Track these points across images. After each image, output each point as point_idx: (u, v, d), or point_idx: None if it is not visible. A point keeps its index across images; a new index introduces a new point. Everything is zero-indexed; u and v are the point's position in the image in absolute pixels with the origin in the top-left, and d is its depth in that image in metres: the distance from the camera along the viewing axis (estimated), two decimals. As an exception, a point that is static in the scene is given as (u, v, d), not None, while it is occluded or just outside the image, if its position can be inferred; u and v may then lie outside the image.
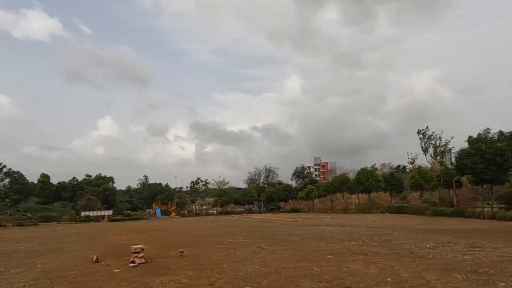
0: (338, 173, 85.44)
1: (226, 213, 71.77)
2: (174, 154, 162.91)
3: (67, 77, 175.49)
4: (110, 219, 67.42)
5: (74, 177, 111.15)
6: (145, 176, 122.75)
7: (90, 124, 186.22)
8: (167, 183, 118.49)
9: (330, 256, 10.58)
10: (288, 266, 9.24)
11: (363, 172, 42.08)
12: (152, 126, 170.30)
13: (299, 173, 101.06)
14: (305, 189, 54.27)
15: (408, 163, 33.92)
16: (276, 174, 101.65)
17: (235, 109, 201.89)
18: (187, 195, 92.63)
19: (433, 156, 30.19)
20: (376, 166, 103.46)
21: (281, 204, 67.78)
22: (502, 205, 33.92)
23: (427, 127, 30.49)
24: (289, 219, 31.73)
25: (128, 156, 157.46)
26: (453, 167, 27.73)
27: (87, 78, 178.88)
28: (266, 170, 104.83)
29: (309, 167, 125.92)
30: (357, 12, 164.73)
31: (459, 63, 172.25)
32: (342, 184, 46.07)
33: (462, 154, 25.50)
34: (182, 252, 12.35)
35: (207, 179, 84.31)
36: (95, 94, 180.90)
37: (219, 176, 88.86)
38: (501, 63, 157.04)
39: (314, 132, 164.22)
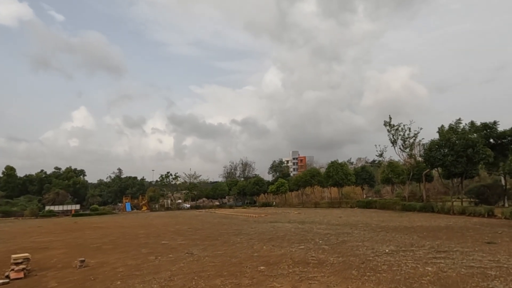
0: (315, 167, 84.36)
1: (197, 207, 69.05)
2: (152, 147, 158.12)
3: (37, 64, 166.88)
4: (75, 214, 63.23)
5: (42, 170, 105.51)
6: (119, 169, 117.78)
7: (63, 115, 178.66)
8: (143, 177, 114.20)
9: (262, 268, 8.29)
10: (196, 285, 6.88)
11: (333, 165, 40.40)
12: (128, 118, 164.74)
13: (276, 167, 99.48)
14: (276, 183, 52.26)
15: (377, 156, 32.39)
16: (253, 168, 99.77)
17: (214, 102, 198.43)
18: (163, 189, 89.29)
19: (402, 148, 28.63)
20: (352, 161, 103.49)
21: (259, 198, 65.58)
22: (472, 200, 33.11)
23: (390, 118, 28.95)
24: (251, 215, 29.52)
25: (103, 148, 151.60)
26: (422, 159, 26.29)
27: (57, 66, 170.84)
28: (242, 164, 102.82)
29: (287, 161, 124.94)
30: (336, 5, 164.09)
31: (433, 61, 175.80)
32: (312, 178, 44.30)
33: (431, 146, 23.94)
34: (82, 261, 9.75)
35: (177, 173, 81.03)
36: (67, 83, 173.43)
37: (190, 169, 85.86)
38: (471, 63, 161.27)
39: (293, 126, 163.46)
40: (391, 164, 39.00)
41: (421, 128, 27.71)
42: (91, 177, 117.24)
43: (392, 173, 37.26)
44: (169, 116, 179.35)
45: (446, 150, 22.89)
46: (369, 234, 14.22)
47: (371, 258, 9.04)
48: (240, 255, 10.30)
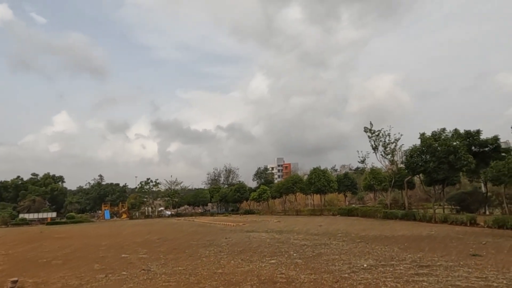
0: (300, 174, 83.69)
1: (178, 215, 67.03)
2: (135, 153, 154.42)
3: (16, 66, 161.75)
4: (50, 222, 60.19)
5: (18, 176, 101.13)
6: (100, 176, 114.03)
7: (45, 119, 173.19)
8: (125, 184, 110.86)
9: (220, 289, 7.14)
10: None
11: (315, 172, 39.65)
12: (111, 123, 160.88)
13: (261, 174, 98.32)
14: (258, 190, 51.08)
15: (359, 162, 31.77)
16: (237, 175, 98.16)
17: (200, 108, 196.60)
18: (146, 196, 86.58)
19: (383, 155, 28.06)
20: (336, 168, 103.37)
21: (242, 205, 63.94)
22: (454, 207, 32.83)
23: (371, 124, 28.41)
24: (229, 224, 28.24)
25: (85, 154, 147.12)
26: (403, 166, 25.75)
27: (37, 68, 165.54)
28: (226, 170, 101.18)
29: (272, 168, 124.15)
30: (321, 12, 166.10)
31: (416, 68, 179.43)
32: (294, 185, 43.39)
33: (413, 152, 23.41)
34: (15, 282, 8.35)
35: (157, 179, 78.70)
36: (49, 86, 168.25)
37: (171, 176, 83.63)
38: (453, 71, 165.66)
39: (279, 132, 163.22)
40: (373, 171, 38.57)
41: (401, 134, 27.31)
42: (72, 184, 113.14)
43: (374, 180, 36.76)
44: (154, 121, 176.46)
45: (427, 157, 22.37)
46: (348, 246, 13.25)
47: (346, 275, 8.02)
48: (201, 272, 9.11)
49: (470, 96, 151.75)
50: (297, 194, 53.32)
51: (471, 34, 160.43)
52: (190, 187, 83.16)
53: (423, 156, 22.70)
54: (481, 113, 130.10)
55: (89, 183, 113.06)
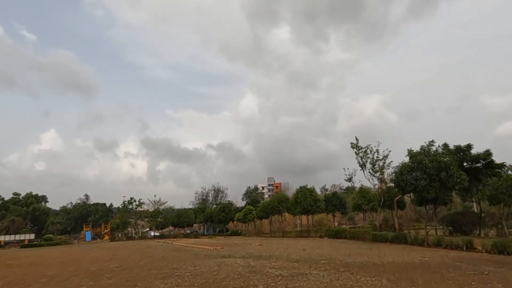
0: (289, 194, 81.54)
1: (161, 236, 63.75)
2: (124, 172, 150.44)
3: (1, 83, 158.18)
4: (24, 245, 56.84)
5: None
6: (86, 195, 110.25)
7: (31, 137, 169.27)
8: (111, 203, 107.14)
9: None
10: None
11: (301, 191, 37.71)
12: (99, 141, 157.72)
13: (250, 193, 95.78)
14: (243, 210, 48.72)
15: (345, 180, 30.04)
16: (225, 194, 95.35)
17: (190, 127, 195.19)
18: (132, 217, 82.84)
19: (371, 172, 26.43)
20: (326, 187, 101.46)
21: (230, 225, 60.88)
22: (446, 228, 31.12)
23: (356, 139, 26.85)
24: (207, 247, 25.92)
25: (71, 172, 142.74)
26: (392, 183, 24.09)
27: (23, 85, 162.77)
28: (214, 190, 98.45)
29: (263, 188, 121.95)
30: (309, 33, 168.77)
31: (402, 90, 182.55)
32: (280, 204, 41.28)
33: (402, 169, 21.80)
34: None
35: (141, 199, 75.56)
36: (35, 104, 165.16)
37: (154, 195, 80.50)
38: (438, 92, 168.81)
39: (268, 151, 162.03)
40: (362, 190, 36.87)
41: (389, 151, 25.76)
42: (56, 204, 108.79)
43: (363, 199, 35.01)
44: (143, 139, 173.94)
45: (418, 174, 20.77)
46: (329, 277, 11.28)
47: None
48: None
49: (456, 116, 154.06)
50: (284, 214, 51.21)
51: (455, 58, 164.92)
52: (175, 207, 80.00)
53: (414, 174, 21.09)
54: (467, 133, 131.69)
55: (71, 202, 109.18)
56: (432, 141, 21.49)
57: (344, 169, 29.65)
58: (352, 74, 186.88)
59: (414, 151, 22.17)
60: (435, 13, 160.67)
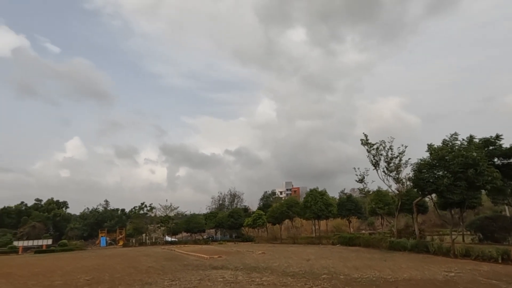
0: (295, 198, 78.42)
1: (172, 242, 62.03)
2: (144, 178, 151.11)
3: (24, 93, 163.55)
4: (39, 250, 56.77)
5: (22, 202, 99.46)
6: (106, 201, 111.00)
7: (56, 145, 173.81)
8: (124, 209, 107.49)
9: None
10: None
11: (311, 194, 34.86)
12: (119, 148, 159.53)
13: (267, 198, 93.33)
14: (253, 215, 46.20)
15: (357, 181, 26.95)
16: (241, 199, 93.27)
17: (207, 133, 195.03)
18: (152, 223, 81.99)
19: (386, 172, 23.41)
20: (345, 191, 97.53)
21: (246, 231, 58.34)
22: (475, 234, 27.59)
23: (365, 135, 23.88)
24: (204, 256, 23.60)
25: (92, 179, 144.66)
26: (410, 184, 21.01)
27: (44, 94, 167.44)
28: (230, 194, 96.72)
29: (281, 192, 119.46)
30: (324, 34, 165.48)
31: (422, 92, 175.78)
32: (289, 209, 38.52)
33: (421, 166, 18.78)
34: None
35: (151, 204, 74.37)
36: (56, 112, 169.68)
37: (166, 200, 79.17)
38: (459, 94, 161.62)
39: (286, 156, 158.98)
40: (380, 193, 33.64)
41: (406, 146, 22.67)
42: (78, 210, 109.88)
43: (380, 203, 31.82)
44: (161, 146, 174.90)
45: (440, 172, 17.77)
46: (322, 301, 8.71)
47: None
48: None
49: (480, 118, 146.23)
50: (299, 219, 48.43)
51: (477, 58, 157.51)
52: (187, 212, 78.35)
53: (434, 172, 18.08)
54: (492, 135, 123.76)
55: (87, 208, 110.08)
56: (455, 134, 18.39)
57: (355, 169, 26.69)
58: (369, 75, 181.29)
59: (436, 146, 19.10)
60: (455, 11, 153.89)
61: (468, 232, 29.73)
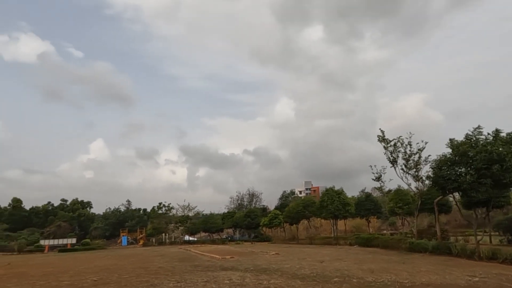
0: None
1: (190, 242, 62.37)
2: (165, 179, 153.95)
3: (50, 97, 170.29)
4: (63, 249, 58.78)
5: (49, 202, 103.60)
6: (128, 201, 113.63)
7: (80, 148, 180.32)
8: (145, 209, 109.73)
9: None
10: None
11: (327, 193, 33.88)
12: (141, 150, 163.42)
13: (286, 197, 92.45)
14: (269, 215, 45.61)
15: (373, 179, 25.81)
16: (260, 199, 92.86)
17: (226, 134, 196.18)
18: (178, 223, 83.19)
19: (405, 169, 22.24)
20: (366, 191, 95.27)
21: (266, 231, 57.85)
22: (504, 235, 25.96)
23: (382, 131, 22.68)
24: (216, 256, 23.26)
25: (116, 180, 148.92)
26: (429, 181, 19.76)
27: (68, 98, 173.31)
28: (249, 194, 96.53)
29: (300, 192, 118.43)
30: (342, 30, 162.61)
31: (447, 88, 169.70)
32: (305, 209, 37.68)
33: (441, 163, 17.62)
34: None
35: (170, 203, 75.12)
36: (80, 115, 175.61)
37: (184, 200, 79.88)
38: (486, 90, 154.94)
39: (305, 155, 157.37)
40: (399, 192, 32.28)
41: (426, 143, 21.44)
42: (101, 210, 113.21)
43: (400, 202, 30.49)
44: (181, 147, 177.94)
45: (462, 169, 16.61)
46: (328, 308, 8.07)
47: None
48: None
49: (507, 114, 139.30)
50: (315, 219, 47.50)
51: (503, 52, 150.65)
52: (204, 212, 78.63)
53: (456, 169, 16.92)
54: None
55: (109, 208, 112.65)
56: (479, 128, 17.08)
57: (371, 166, 25.57)
58: (391, 72, 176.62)
59: (458, 141, 17.89)
60: (480, 4, 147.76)
61: (497, 233, 28.04)
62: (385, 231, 51.78)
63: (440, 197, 21.23)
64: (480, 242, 18.37)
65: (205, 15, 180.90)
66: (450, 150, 17.79)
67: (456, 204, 21.43)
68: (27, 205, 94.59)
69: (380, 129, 23.40)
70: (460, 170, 16.82)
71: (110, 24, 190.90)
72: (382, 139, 22.88)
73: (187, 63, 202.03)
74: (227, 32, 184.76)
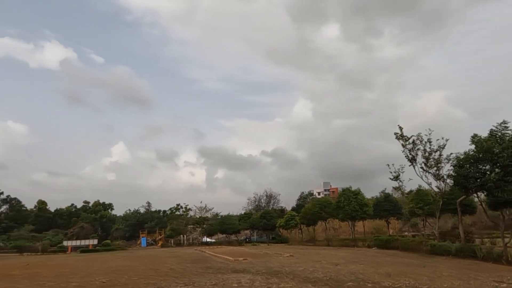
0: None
1: (207, 243, 62.43)
2: (184, 180, 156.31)
3: (72, 102, 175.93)
4: (84, 250, 60.28)
5: (72, 204, 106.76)
6: (148, 203, 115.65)
7: (103, 151, 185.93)
8: (170, 209, 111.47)
9: None
10: None
11: (344, 194, 32.91)
12: (160, 152, 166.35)
13: (304, 198, 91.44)
14: (285, 216, 44.91)
15: (391, 179, 24.67)
16: (277, 200, 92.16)
17: (244, 135, 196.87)
18: (195, 224, 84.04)
19: (424, 168, 21.12)
20: (386, 191, 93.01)
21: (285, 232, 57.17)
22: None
23: (400, 128, 21.57)
24: (229, 258, 22.87)
25: (136, 182, 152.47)
26: (451, 180, 18.61)
27: (90, 102, 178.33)
28: (266, 195, 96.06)
29: (319, 193, 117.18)
30: (359, 28, 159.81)
31: (470, 84, 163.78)
32: (322, 210, 36.78)
33: (463, 160, 16.54)
34: None
35: (187, 205, 75.57)
36: (101, 119, 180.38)
37: (201, 202, 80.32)
38: (511, 86, 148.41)
39: (323, 156, 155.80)
40: (420, 192, 30.99)
41: (447, 140, 20.25)
42: (123, 211, 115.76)
43: (421, 202, 29.23)
44: (199, 149, 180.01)
45: (486, 166, 15.52)
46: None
47: None
48: None
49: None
50: (334, 220, 46.47)
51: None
52: (223, 213, 78.67)
53: (479, 166, 15.83)
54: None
55: (129, 209, 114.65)
56: (504, 122, 15.92)
57: (389, 165, 24.49)
58: (411, 69, 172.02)
59: (482, 137, 16.78)
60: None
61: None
62: (406, 233, 50.11)
63: (463, 197, 20.02)
64: (508, 244, 17.18)
65: (220, 17, 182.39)
66: (473, 147, 16.71)
67: (481, 205, 20.18)
68: (52, 207, 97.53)
69: (398, 125, 22.42)
70: (484, 167, 15.75)
71: (129, 30, 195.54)
72: (401, 136, 21.86)
73: (204, 65, 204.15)
74: (242, 34, 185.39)
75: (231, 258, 22.62)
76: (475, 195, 19.15)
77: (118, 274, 16.74)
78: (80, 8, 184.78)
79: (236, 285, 12.30)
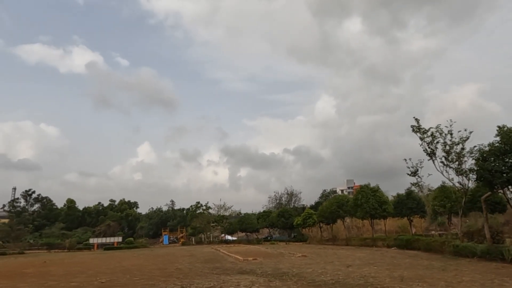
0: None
1: (227, 241, 62.50)
2: (208, 179, 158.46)
3: (101, 104, 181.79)
4: (108, 247, 62.17)
5: (99, 202, 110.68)
6: (172, 201, 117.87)
7: (130, 151, 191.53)
8: (186, 208, 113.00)
9: None
10: None
11: (362, 191, 31.49)
12: (185, 152, 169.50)
13: (326, 196, 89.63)
14: (302, 215, 43.85)
15: (409, 174, 23.03)
16: (299, 198, 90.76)
17: (267, 134, 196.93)
18: (214, 222, 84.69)
19: (445, 162, 19.54)
20: (412, 189, 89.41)
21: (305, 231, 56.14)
22: None
23: (416, 120, 19.88)
24: (240, 258, 22.27)
25: (162, 182, 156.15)
26: (474, 175, 17.02)
27: (117, 104, 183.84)
28: (288, 193, 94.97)
29: (342, 191, 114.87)
30: (384, 20, 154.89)
31: (505, 75, 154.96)
32: (340, 208, 35.47)
33: (487, 153, 15.04)
34: None
35: (207, 203, 75.73)
36: (127, 120, 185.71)
37: (220, 200, 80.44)
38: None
39: (348, 154, 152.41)
40: (444, 189, 29.11)
41: (470, 132, 18.60)
42: (147, 210, 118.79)
43: (446, 200, 27.42)
44: (222, 148, 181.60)
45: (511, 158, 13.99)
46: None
47: None
48: None
49: None
50: (346, 219, 44.90)
51: None
52: (247, 212, 78.31)
53: (506, 160, 14.33)
54: None
55: (152, 208, 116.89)
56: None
57: (406, 160, 22.90)
58: (440, 62, 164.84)
59: (508, 127, 15.22)
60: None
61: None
62: (433, 232, 47.71)
63: (488, 193, 18.40)
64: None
65: (241, 17, 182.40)
66: (498, 139, 15.19)
67: (508, 202, 18.50)
68: (81, 206, 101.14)
69: (414, 117, 20.91)
70: (511, 161, 14.25)
71: (153, 33, 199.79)
72: (418, 128, 20.38)
73: (226, 66, 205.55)
74: (264, 33, 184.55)
75: (241, 258, 22.03)
76: (500, 191, 17.51)
77: (123, 274, 16.54)
78: (106, 14, 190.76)
79: (244, 282, 11.71)
